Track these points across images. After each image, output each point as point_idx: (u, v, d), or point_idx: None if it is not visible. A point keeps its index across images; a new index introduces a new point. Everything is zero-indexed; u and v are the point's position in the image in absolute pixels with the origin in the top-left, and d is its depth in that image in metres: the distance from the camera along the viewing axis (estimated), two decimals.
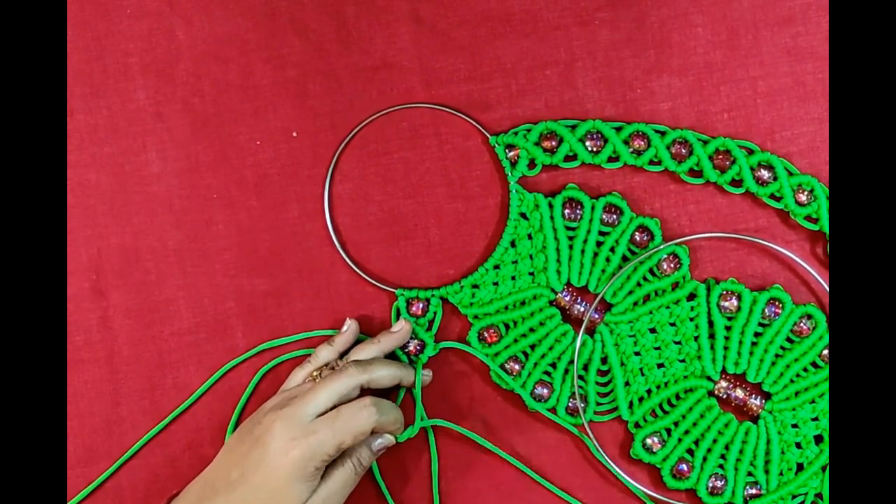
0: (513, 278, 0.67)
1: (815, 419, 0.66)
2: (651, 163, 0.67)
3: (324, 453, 0.58)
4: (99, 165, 0.67)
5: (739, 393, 0.66)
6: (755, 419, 0.66)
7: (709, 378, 0.66)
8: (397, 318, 0.67)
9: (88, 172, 0.67)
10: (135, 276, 0.67)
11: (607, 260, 0.67)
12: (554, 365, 0.67)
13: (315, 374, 0.63)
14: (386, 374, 0.62)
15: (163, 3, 0.68)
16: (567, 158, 0.67)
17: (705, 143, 0.67)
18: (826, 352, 0.66)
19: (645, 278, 0.67)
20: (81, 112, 0.68)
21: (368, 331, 0.67)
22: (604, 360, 0.67)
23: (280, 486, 0.57)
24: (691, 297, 0.67)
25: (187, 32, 0.68)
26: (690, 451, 0.66)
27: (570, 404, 0.67)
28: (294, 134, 0.68)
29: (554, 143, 0.67)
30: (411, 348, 0.67)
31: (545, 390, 0.66)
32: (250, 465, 0.58)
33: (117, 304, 0.67)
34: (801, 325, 0.66)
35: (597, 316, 0.67)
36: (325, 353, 0.64)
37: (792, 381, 0.66)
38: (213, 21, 0.68)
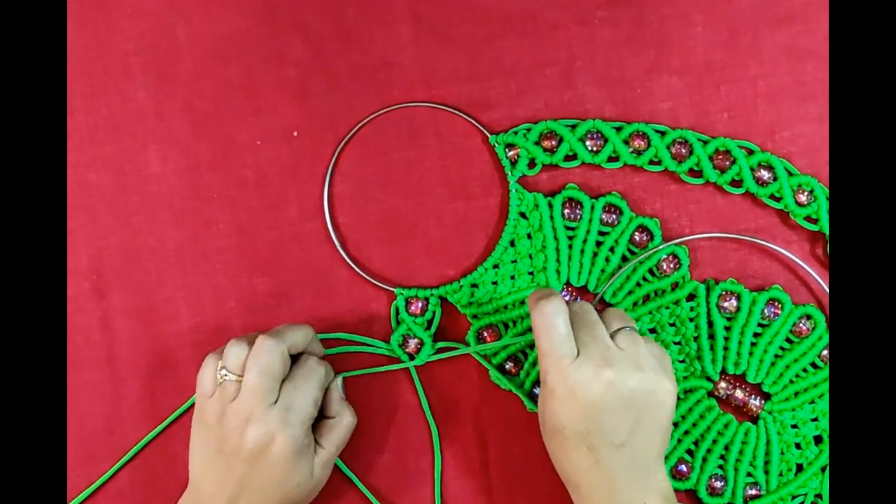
0: (512, 278, 0.67)
1: (815, 420, 0.66)
2: (651, 163, 0.67)
3: (306, 418, 0.59)
4: (99, 165, 0.67)
5: (739, 393, 0.66)
6: (755, 420, 0.66)
7: (708, 378, 0.66)
8: (396, 318, 0.67)
9: (88, 172, 0.67)
10: (135, 276, 0.67)
11: (607, 260, 0.67)
12: None
13: (220, 376, 0.58)
14: (300, 335, 0.61)
15: (163, 3, 0.68)
16: (567, 158, 0.67)
17: (705, 143, 0.67)
18: (826, 352, 0.66)
19: (644, 278, 0.67)
20: (81, 112, 0.68)
21: (368, 331, 0.67)
22: None
23: (285, 475, 0.58)
24: (691, 297, 0.66)
25: (187, 32, 0.68)
26: (690, 452, 0.66)
27: None
28: (294, 134, 0.68)
29: (554, 142, 0.67)
30: (410, 348, 0.67)
31: None
32: (244, 474, 0.58)
33: (117, 305, 0.67)
34: (801, 325, 0.66)
35: None
36: (236, 351, 0.59)
37: (791, 381, 0.66)
38: (214, 20, 0.68)
